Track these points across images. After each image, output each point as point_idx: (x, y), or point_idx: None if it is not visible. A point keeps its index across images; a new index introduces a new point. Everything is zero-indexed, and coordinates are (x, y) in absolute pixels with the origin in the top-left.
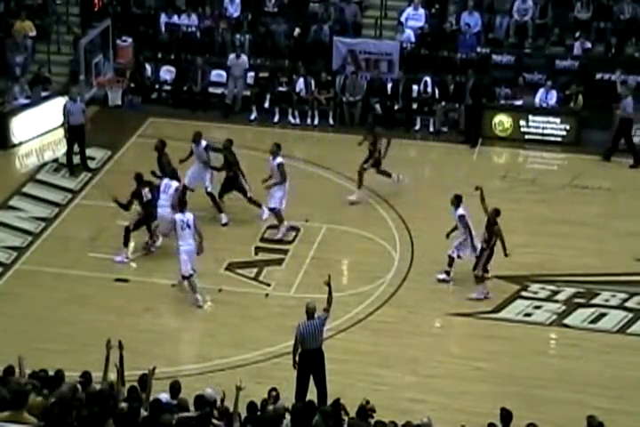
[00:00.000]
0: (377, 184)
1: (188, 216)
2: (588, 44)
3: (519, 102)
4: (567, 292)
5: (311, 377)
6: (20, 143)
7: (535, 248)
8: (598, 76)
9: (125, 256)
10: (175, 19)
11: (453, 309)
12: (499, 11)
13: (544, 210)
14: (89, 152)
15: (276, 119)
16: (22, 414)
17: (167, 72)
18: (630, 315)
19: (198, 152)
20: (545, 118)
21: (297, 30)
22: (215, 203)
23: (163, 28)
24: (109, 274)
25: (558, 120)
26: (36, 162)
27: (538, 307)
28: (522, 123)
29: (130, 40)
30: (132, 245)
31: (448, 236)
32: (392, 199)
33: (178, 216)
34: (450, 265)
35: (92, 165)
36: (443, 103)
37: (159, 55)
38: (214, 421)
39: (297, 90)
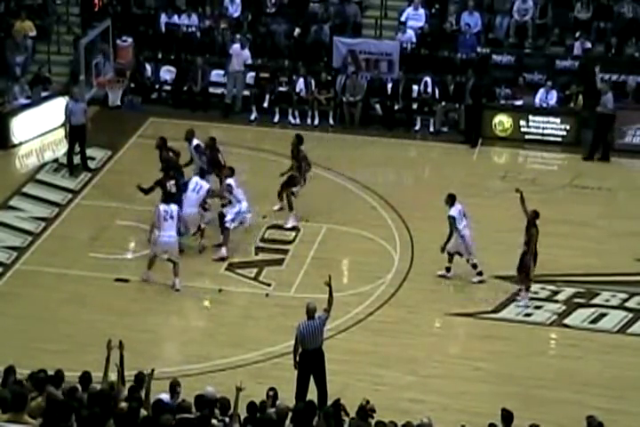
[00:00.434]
0: (377, 184)
1: (173, 208)
2: (588, 44)
3: (519, 102)
4: (567, 292)
5: (311, 377)
6: (20, 143)
7: None
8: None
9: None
10: (175, 19)
11: (453, 309)
12: (499, 11)
13: (544, 210)
14: (89, 152)
15: (276, 119)
16: (23, 416)
17: (167, 72)
18: (630, 315)
19: (189, 150)
20: (545, 118)
21: (297, 30)
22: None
23: (163, 28)
24: (109, 274)
25: (558, 120)
26: (35, 162)
27: (538, 307)
28: (522, 123)
29: (130, 40)
30: (132, 244)
31: (443, 250)
32: (392, 199)
33: (162, 207)
34: (475, 267)
35: (91, 165)
36: (443, 103)
37: (159, 55)
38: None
39: (297, 90)
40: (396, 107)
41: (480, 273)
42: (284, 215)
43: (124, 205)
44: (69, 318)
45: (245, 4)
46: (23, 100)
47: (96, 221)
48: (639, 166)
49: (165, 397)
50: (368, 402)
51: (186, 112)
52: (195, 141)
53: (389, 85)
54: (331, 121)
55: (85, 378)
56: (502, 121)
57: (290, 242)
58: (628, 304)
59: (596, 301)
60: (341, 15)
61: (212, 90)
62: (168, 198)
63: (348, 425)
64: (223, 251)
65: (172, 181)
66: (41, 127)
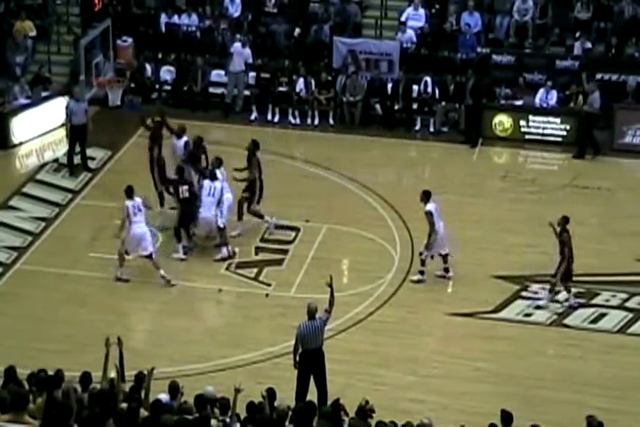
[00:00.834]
0: (376, 184)
1: (137, 200)
2: (588, 44)
3: (519, 102)
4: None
5: (311, 377)
6: (20, 143)
7: (535, 248)
8: (598, 76)
9: (183, 253)
10: (175, 19)
11: (453, 309)
12: (499, 11)
13: (544, 210)
14: (89, 152)
15: (276, 119)
16: (23, 416)
17: (167, 72)
18: (630, 315)
19: (177, 146)
20: (545, 118)
21: (297, 30)
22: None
23: (163, 28)
24: (109, 274)
25: (558, 120)
26: (36, 162)
27: (538, 307)
28: (522, 123)
29: (130, 40)
30: None
31: (421, 254)
32: (392, 199)
33: (128, 202)
34: (422, 265)
35: (91, 165)
36: (443, 103)
37: (159, 55)
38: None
39: (297, 90)
40: (396, 107)
41: (422, 272)
42: (284, 215)
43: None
44: (69, 318)
45: (245, 4)
46: (23, 100)
47: (96, 221)
48: (639, 166)
49: (164, 397)
50: (367, 402)
51: (186, 112)
52: (184, 138)
53: (389, 85)
54: (331, 121)
55: (85, 378)
56: (502, 121)
57: (290, 242)
58: (627, 304)
59: (596, 301)
60: (341, 15)
61: (212, 90)
62: (131, 194)
63: (348, 425)
64: (224, 251)
65: (186, 187)
66: (41, 127)
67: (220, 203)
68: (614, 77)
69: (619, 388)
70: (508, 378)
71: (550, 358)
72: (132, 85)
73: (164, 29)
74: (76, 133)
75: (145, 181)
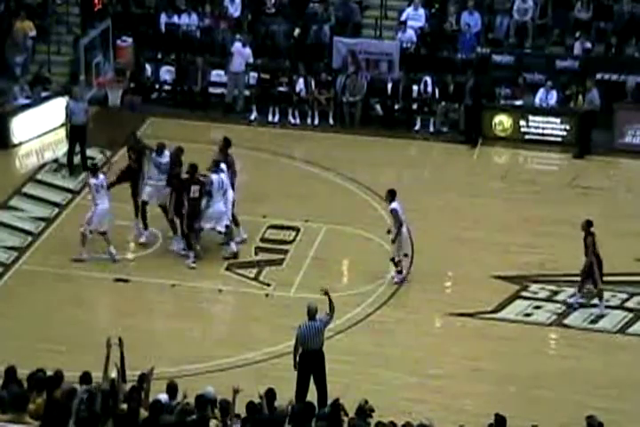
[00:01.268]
0: (376, 184)
1: (100, 177)
2: (588, 44)
3: (519, 102)
4: (567, 292)
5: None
6: (20, 143)
7: (535, 248)
8: (598, 76)
9: (193, 260)
10: (175, 19)
11: (453, 309)
12: (499, 11)
13: (544, 210)
14: (89, 152)
15: (276, 119)
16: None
17: (167, 72)
18: (630, 315)
19: (162, 162)
20: (545, 118)
21: (297, 30)
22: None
23: (163, 28)
24: (109, 274)
25: (558, 120)
26: (35, 162)
27: (538, 307)
28: (522, 123)
29: (130, 40)
30: (132, 244)
31: (394, 242)
32: None
33: (92, 180)
34: (397, 266)
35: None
36: (443, 103)
37: (159, 55)
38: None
39: (297, 90)
40: (396, 107)
41: (400, 271)
42: (284, 215)
43: (124, 205)
44: (69, 318)
45: (245, 4)
46: (23, 100)
47: None
48: (639, 166)
49: (165, 397)
50: (367, 402)
51: (186, 112)
52: (166, 153)
53: (389, 85)
54: (331, 121)
55: (85, 378)
56: (502, 121)
57: (290, 242)
58: (627, 304)
59: (595, 301)
60: (341, 15)
61: (212, 90)
62: (95, 172)
63: (348, 425)
64: (233, 246)
65: (197, 186)
66: (41, 127)
67: (225, 193)
68: (614, 77)
69: (619, 388)
70: (508, 378)
71: (550, 358)
72: (132, 85)
73: (163, 29)
74: (76, 133)
75: None
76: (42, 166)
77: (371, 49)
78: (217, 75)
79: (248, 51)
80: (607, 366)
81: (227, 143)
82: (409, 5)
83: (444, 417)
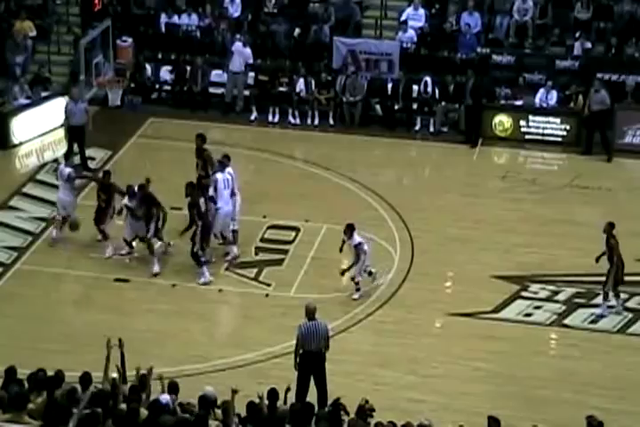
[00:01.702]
0: (376, 184)
1: (65, 169)
2: (588, 44)
3: (519, 102)
4: (567, 292)
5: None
6: (20, 143)
7: (535, 248)
8: (598, 76)
9: (208, 275)
10: (175, 19)
11: (453, 309)
12: (499, 11)
13: (544, 210)
14: (89, 152)
15: (276, 119)
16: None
17: (167, 72)
18: (630, 315)
19: (134, 205)
20: (545, 118)
21: (297, 30)
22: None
23: (163, 28)
24: (109, 274)
25: (558, 120)
26: (35, 162)
27: (538, 307)
28: (522, 123)
29: (130, 40)
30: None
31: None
32: (392, 199)
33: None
34: (357, 284)
35: (91, 165)
36: (443, 103)
37: (159, 55)
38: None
39: (297, 90)
40: (396, 107)
41: (359, 289)
42: (283, 215)
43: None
44: (69, 318)
45: (245, 4)
46: (23, 100)
47: None
48: (639, 166)
49: (166, 398)
50: (367, 402)
51: (186, 112)
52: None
53: (389, 85)
54: (331, 121)
55: (85, 378)
56: (502, 121)
57: (290, 242)
58: (628, 304)
59: (596, 301)
60: (341, 15)
61: (212, 90)
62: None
63: (347, 425)
64: (235, 249)
65: (203, 199)
66: (41, 127)
67: (233, 193)
68: (614, 77)
69: (619, 388)
70: (508, 378)
71: (550, 358)
72: (132, 85)
73: (163, 29)
74: (74, 134)
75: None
76: (42, 166)
77: (371, 49)
78: (217, 75)
79: (248, 51)
80: (607, 366)
81: (202, 140)
82: (409, 5)
83: (444, 417)
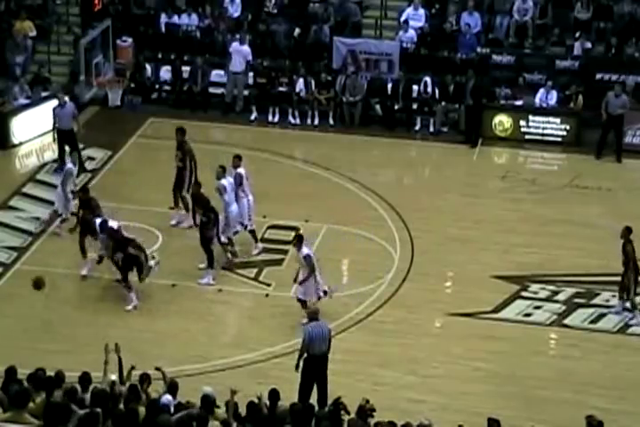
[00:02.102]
0: (376, 184)
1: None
2: (588, 44)
3: (519, 102)
4: (567, 292)
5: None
6: (20, 143)
7: (535, 248)
8: (598, 76)
9: (212, 278)
10: (175, 19)
11: (453, 309)
12: (499, 11)
13: (544, 210)
14: (89, 152)
15: (276, 119)
16: (23, 415)
17: (167, 72)
18: (630, 315)
19: (106, 239)
20: (545, 118)
21: (297, 30)
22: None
23: (163, 28)
24: (109, 274)
25: (558, 120)
26: (36, 162)
27: (538, 307)
28: (522, 123)
29: (130, 40)
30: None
31: (295, 280)
32: (392, 199)
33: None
34: (304, 308)
35: (92, 165)
36: (443, 103)
37: (159, 55)
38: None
39: (297, 90)
40: (396, 107)
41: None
42: (284, 215)
43: (123, 205)
44: (69, 319)
45: (245, 4)
46: (23, 100)
47: None
48: (639, 166)
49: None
50: (368, 402)
51: (186, 112)
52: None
53: (389, 85)
54: (331, 121)
55: (85, 379)
56: (502, 121)
57: (290, 242)
58: (627, 305)
59: (595, 301)
60: (341, 15)
61: (212, 90)
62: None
63: (347, 425)
64: (259, 245)
65: (200, 212)
66: (41, 127)
67: (244, 192)
68: (614, 77)
69: (619, 388)
70: (508, 378)
71: (550, 358)
72: (132, 85)
73: (163, 29)
74: (63, 138)
75: (145, 182)
76: (42, 166)
77: (371, 49)
78: (217, 75)
79: (246, 48)
80: (607, 366)
81: (181, 133)
82: (409, 5)
83: (444, 417)
